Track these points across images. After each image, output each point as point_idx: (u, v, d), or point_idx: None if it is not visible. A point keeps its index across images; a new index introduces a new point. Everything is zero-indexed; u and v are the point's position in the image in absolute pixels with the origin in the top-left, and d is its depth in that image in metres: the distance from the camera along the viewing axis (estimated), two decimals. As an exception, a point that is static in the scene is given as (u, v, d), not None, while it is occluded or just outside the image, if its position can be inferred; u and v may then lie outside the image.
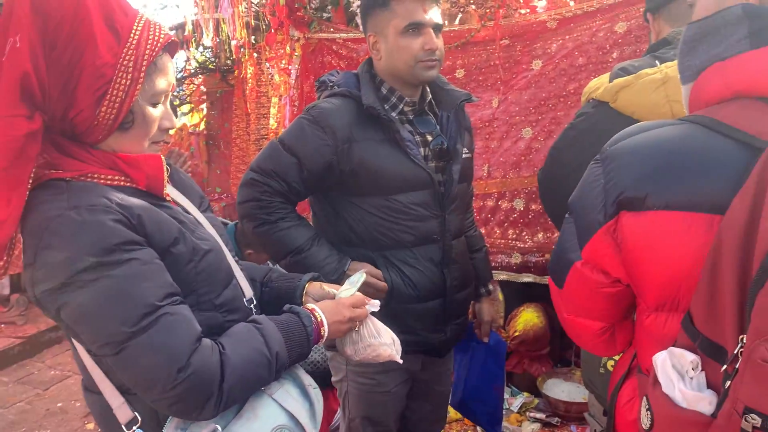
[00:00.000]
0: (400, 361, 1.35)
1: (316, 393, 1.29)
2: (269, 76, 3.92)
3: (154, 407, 1.07)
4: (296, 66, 3.59)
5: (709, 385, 0.81)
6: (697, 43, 0.94)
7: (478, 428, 2.77)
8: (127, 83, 1.06)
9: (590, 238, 0.99)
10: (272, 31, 3.54)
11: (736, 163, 0.83)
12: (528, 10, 2.98)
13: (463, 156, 1.84)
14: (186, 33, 3.86)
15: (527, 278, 2.93)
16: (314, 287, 1.40)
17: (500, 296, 3.10)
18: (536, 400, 2.98)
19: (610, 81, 1.59)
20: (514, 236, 2.97)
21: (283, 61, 3.70)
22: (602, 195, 0.95)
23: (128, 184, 1.11)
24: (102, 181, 1.08)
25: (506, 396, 2.99)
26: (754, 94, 0.86)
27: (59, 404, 3.73)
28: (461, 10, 3.14)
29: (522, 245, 2.96)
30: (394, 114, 1.75)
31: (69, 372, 4.14)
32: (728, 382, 0.75)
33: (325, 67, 3.48)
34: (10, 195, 1.00)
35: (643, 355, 1.02)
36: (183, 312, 1.05)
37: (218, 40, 3.83)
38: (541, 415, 2.83)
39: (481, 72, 3.03)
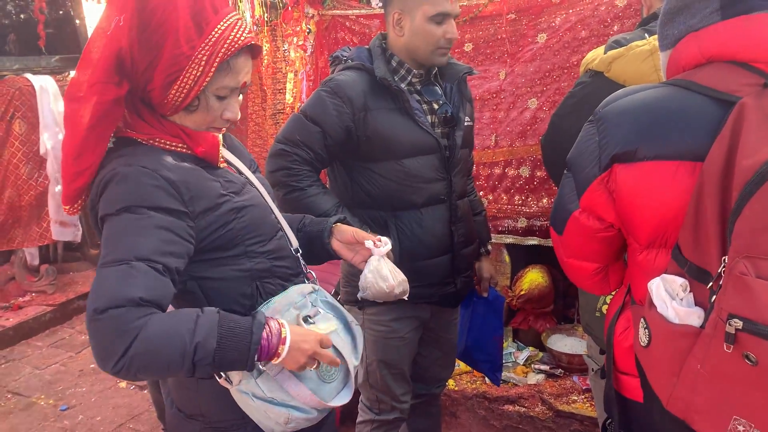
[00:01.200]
0: (405, 298, 1.47)
1: (357, 329, 1.43)
2: (284, 53, 4.05)
3: None
4: (311, 42, 3.73)
5: (697, 304, 0.94)
6: (675, 15, 1.08)
7: (486, 379, 2.97)
8: (197, 74, 1.20)
9: (587, 188, 1.13)
10: (288, 8, 3.68)
11: (713, 117, 0.96)
12: (533, -14, 3.10)
13: (465, 124, 2.02)
14: (205, 11, 3.99)
15: (532, 241, 3.09)
16: (341, 229, 1.52)
17: (507, 258, 3.29)
18: (541, 354, 3.17)
19: (605, 53, 1.74)
20: (520, 202, 3.14)
21: (298, 38, 3.84)
22: (597, 151, 1.09)
23: (187, 152, 1.28)
24: (166, 147, 1.26)
25: (512, 350, 3.18)
26: (725, 59, 1.00)
27: (92, 365, 3.95)
28: (469, -14, 3.27)
29: (528, 210, 3.13)
30: (403, 85, 1.91)
31: (99, 337, 4.38)
32: (714, 297, 0.88)
33: (339, 42, 3.63)
34: (95, 147, 1.21)
35: (637, 288, 1.17)
36: (143, 275, 1.11)
37: (235, 18, 3.96)
38: (545, 367, 3.02)
39: (489, 45, 3.17)
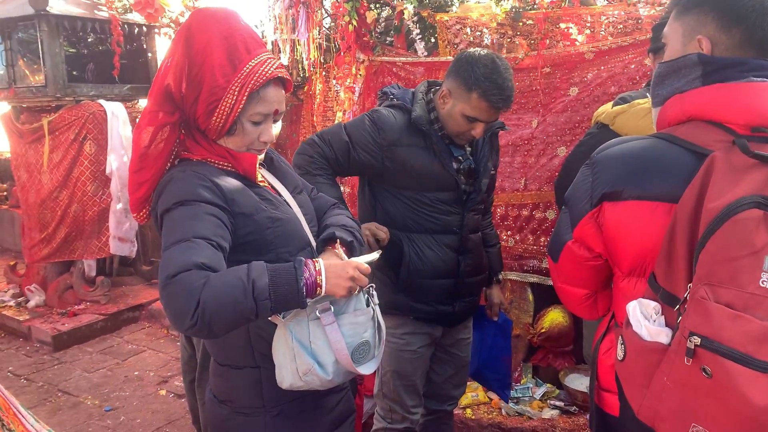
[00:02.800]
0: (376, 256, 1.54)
1: (382, 324, 1.54)
2: (335, 93, 4.33)
3: None
4: (360, 84, 4.01)
5: (667, 325, 1.08)
6: (665, 78, 1.23)
7: (503, 411, 3.08)
8: (232, 103, 1.43)
9: (579, 221, 1.29)
10: (341, 53, 3.97)
11: (688, 166, 1.11)
12: (569, 43, 3.31)
13: (491, 173, 2.26)
14: (265, 52, 4.33)
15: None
16: (327, 253, 1.56)
17: (530, 297, 3.42)
18: (557, 391, 3.27)
19: (612, 108, 1.93)
20: (545, 243, 3.30)
21: (349, 80, 4.12)
22: (590, 190, 1.26)
23: (232, 169, 1.52)
24: (215, 165, 1.51)
25: (530, 385, 3.29)
26: (702, 118, 1.15)
27: (136, 372, 4.22)
28: (509, 40, 3.50)
29: (553, 252, 3.28)
30: (439, 134, 2.14)
31: (144, 347, 4.65)
32: (679, 319, 1.02)
33: (384, 86, 3.89)
34: (153, 164, 1.48)
35: (619, 311, 1.30)
36: (202, 248, 1.30)
37: (293, 59, 4.28)
38: (560, 404, 3.13)
39: (524, 96, 3.38)
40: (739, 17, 1.15)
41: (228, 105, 1.43)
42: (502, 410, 3.10)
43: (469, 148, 2.23)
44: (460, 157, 2.19)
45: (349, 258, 1.51)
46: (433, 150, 2.11)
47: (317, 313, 1.40)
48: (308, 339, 1.41)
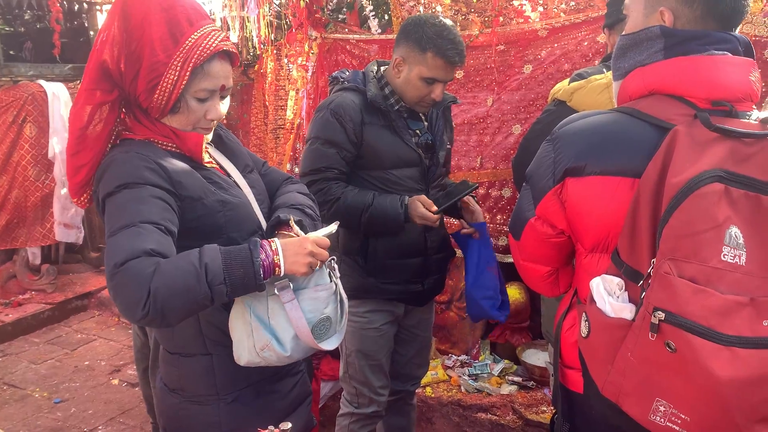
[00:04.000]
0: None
1: (344, 297, 1.50)
2: (287, 71, 4.24)
3: None
4: (313, 63, 3.93)
5: (630, 301, 1.08)
6: (627, 51, 1.21)
7: (462, 388, 3.11)
8: (174, 79, 1.35)
9: (542, 198, 1.27)
10: (292, 30, 3.88)
11: (651, 140, 1.10)
12: (522, 20, 3.30)
13: (447, 146, 2.26)
14: (214, 29, 4.20)
15: (511, 259, 3.25)
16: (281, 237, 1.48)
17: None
18: (515, 367, 3.31)
19: (569, 84, 1.93)
20: (502, 221, 3.32)
21: (301, 58, 4.04)
22: (552, 165, 1.23)
23: (177, 150, 1.44)
24: (160, 146, 1.43)
25: (489, 361, 3.32)
26: (664, 92, 1.14)
27: (86, 362, 4.10)
28: (463, 17, 3.47)
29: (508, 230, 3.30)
30: (393, 109, 2.13)
31: (94, 336, 4.51)
32: (643, 294, 1.02)
33: (339, 64, 3.83)
34: (92, 146, 1.40)
35: (582, 288, 1.30)
36: (150, 232, 1.25)
37: (242, 37, 4.16)
38: (518, 379, 3.16)
39: (479, 74, 3.37)
40: None
41: (170, 81, 1.35)
42: (462, 387, 3.12)
43: (425, 123, 2.22)
44: (418, 131, 2.19)
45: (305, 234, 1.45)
46: (393, 127, 2.11)
47: (276, 290, 1.36)
48: (266, 315, 1.38)
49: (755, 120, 1.08)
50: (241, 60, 4.65)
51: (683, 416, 1.00)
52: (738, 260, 0.97)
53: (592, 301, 1.13)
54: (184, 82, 1.36)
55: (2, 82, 4.70)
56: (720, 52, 1.12)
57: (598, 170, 1.16)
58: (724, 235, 0.97)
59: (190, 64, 1.35)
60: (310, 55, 3.94)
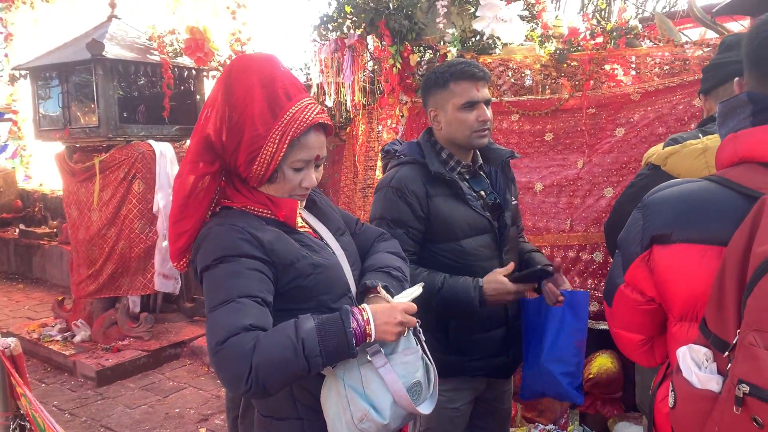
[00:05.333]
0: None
1: (431, 365, 1.51)
2: (377, 134, 4.39)
3: None
4: (402, 125, 4.05)
5: (719, 372, 1.05)
6: (724, 118, 1.23)
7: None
8: (273, 151, 1.43)
9: (630, 265, 1.28)
10: (384, 94, 4.03)
11: (739, 209, 1.09)
12: (614, 84, 3.29)
13: (512, 204, 2.20)
14: (311, 94, 4.43)
15: (604, 326, 3.14)
16: (371, 299, 1.52)
17: (577, 341, 3.33)
18: (607, 440, 3.16)
19: (663, 149, 1.91)
20: (593, 286, 3.23)
21: (390, 120, 4.18)
22: (641, 233, 1.25)
23: (272, 217, 1.51)
24: (255, 213, 1.51)
25: (578, 432, 3.19)
26: (754, 160, 1.14)
27: (176, 410, 4.23)
28: (554, 80, 3.50)
29: (600, 295, 3.21)
30: (454, 174, 2.12)
31: (185, 384, 4.66)
32: (729, 366, 1.00)
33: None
34: (193, 214, 1.48)
35: (673, 357, 1.25)
36: (249, 307, 1.31)
37: (337, 101, 4.36)
38: (609, 453, 3.02)
39: (569, 136, 3.37)
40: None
41: (269, 153, 1.43)
42: (548, 458, 3.00)
43: (488, 181, 2.19)
44: (483, 192, 2.15)
45: (392, 297, 1.48)
46: (459, 195, 2.08)
47: (368, 356, 1.39)
48: (361, 384, 1.39)
49: None
50: (335, 122, 4.86)
51: None
52: None
53: (679, 370, 1.11)
54: (282, 154, 1.43)
55: (117, 141, 5.09)
56: None
57: (684, 238, 1.16)
58: None
59: (288, 137, 1.42)
60: (400, 117, 4.07)
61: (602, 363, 3.18)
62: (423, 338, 1.50)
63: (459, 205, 2.07)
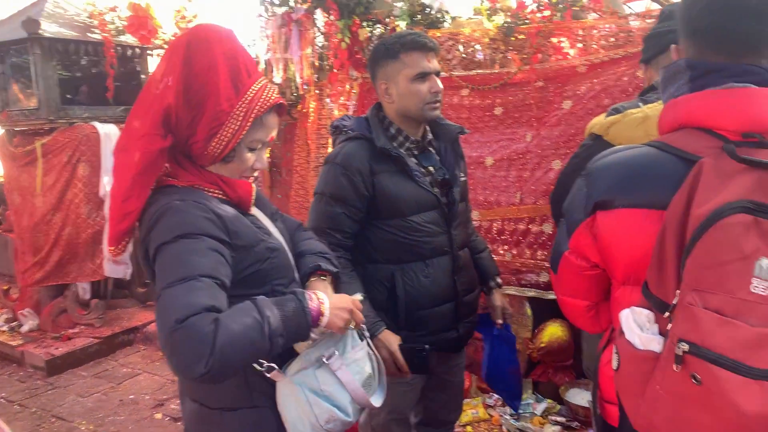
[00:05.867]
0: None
1: (377, 358, 1.54)
2: (329, 111, 4.34)
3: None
4: (353, 102, 4.02)
5: (661, 333, 1.07)
6: (665, 84, 1.24)
7: (504, 428, 3.05)
8: (235, 129, 1.37)
9: (574, 231, 1.30)
10: (334, 71, 3.99)
11: (678, 173, 1.10)
12: (561, 57, 3.32)
13: (461, 179, 2.19)
14: (260, 71, 4.35)
15: (553, 295, 3.20)
16: (317, 283, 1.54)
17: (528, 311, 3.40)
18: (558, 407, 3.23)
19: (606, 118, 1.93)
20: (543, 257, 3.28)
21: (342, 98, 4.14)
22: (584, 199, 1.26)
23: (223, 197, 1.44)
24: (207, 193, 1.42)
25: (531, 401, 3.26)
26: (693, 125, 1.15)
27: (131, 396, 4.16)
28: (502, 55, 3.51)
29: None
30: (402, 150, 2.10)
31: (139, 370, 4.58)
32: (669, 326, 1.02)
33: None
34: (140, 193, 1.36)
35: (617, 321, 1.26)
36: (209, 287, 1.23)
37: (286, 78, 4.29)
38: (561, 419, 3.09)
39: (517, 110, 3.39)
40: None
41: (231, 131, 1.37)
42: (503, 427, 3.06)
43: (437, 157, 2.19)
44: (432, 168, 2.14)
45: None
46: (406, 171, 2.05)
47: (325, 360, 1.40)
48: (319, 387, 1.39)
49: None
50: (285, 100, 4.78)
51: None
52: None
53: (622, 333, 1.12)
54: (244, 133, 1.38)
55: (59, 124, 4.91)
56: (741, 84, 1.11)
57: (626, 203, 1.18)
58: (754, 267, 0.96)
59: (252, 116, 1.38)
60: (351, 94, 4.04)
61: (553, 332, 3.24)
62: (368, 334, 1.52)
63: (405, 181, 2.05)
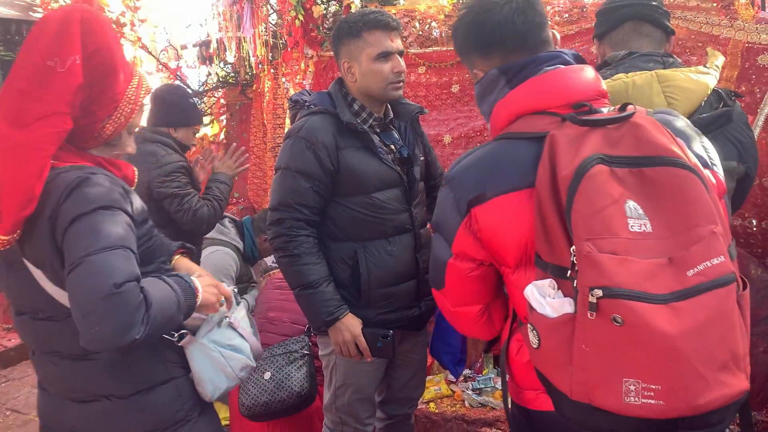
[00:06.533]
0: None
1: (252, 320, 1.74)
2: (285, 90, 4.27)
3: (84, 331, 1.21)
4: (309, 81, 3.96)
5: (566, 296, 1.10)
6: (482, 97, 1.37)
7: (466, 402, 3.09)
8: (128, 111, 1.41)
9: (455, 236, 1.31)
10: (288, 49, 3.91)
11: (532, 152, 1.19)
12: (516, 33, 3.31)
13: (420, 159, 2.19)
14: (210, 50, 4.25)
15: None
16: (181, 262, 1.64)
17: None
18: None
19: None
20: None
21: (298, 77, 4.07)
22: (455, 204, 1.29)
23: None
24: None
25: (492, 375, 3.30)
26: (528, 112, 1.26)
27: None
28: (458, 32, 3.49)
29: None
30: (365, 126, 2.07)
31: (97, 359, 4.50)
32: (575, 282, 1.05)
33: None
34: (42, 174, 1.29)
35: (519, 308, 1.30)
36: (134, 259, 1.28)
37: (239, 57, 4.19)
38: (522, 392, 3.14)
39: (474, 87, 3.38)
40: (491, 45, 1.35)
41: (125, 112, 1.41)
42: (465, 402, 3.09)
43: (398, 136, 2.17)
44: (393, 146, 2.13)
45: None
46: (370, 148, 2.04)
47: (228, 320, 1.59)
48: (228, 342, 1.57)
49: (613, 109, 1.20)
50: (239, 80, 4.68)
51: (654, 386, 1.00)
52: (645, 228, 1.04)
53: (532, 309, 1.14)
54: (134, 115, 1.43)
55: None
56: (552, 67, 1.26)
57: (497, 192, 1.23)
58: (625, 209, 1.05)
59: (141, 99, 1.43)
60: (307, 73, 3.98)
61: (513, 307, 3.28)
62: (239, 298, 1.71)
63: (370, 158, 2.04)
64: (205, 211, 2.88)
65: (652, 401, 1.00)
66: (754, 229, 2.94)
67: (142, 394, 1.42)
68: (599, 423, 1.08)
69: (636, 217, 1.05)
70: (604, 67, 1.86)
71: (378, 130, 2.12)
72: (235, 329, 1.60)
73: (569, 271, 1.07)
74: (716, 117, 1.66)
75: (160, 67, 4.70)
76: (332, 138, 2.00)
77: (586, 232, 1.04)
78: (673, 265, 1.02)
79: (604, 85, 1.30)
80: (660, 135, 1.11)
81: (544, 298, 1.12)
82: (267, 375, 2.51)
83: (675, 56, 1.81)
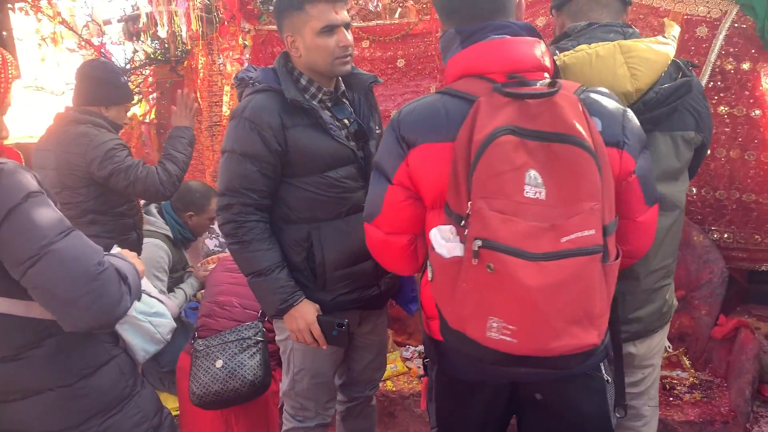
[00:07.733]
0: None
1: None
2: (220, 66, 4.10)
3: (76, 316, 1.26)
4: (247, 56, 3.82)
5: (461, 242, 1.27)
6: (445, 50, 1.49)
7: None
8: (3, 93, 1.39)
9: (398, 168, 1.44)
10: (224, 23, 3.75)
11: (463, 112, 1.33)
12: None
13: (376, 132, 2.12)
14: (140, 25, 4.01)
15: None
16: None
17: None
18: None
19: None
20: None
21: (233, 52, 3.91)
22: (397, 142, 1.44)
23: None
24: None
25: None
26: (470, 74, 1.41)
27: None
28: (400, 5, 3.44)
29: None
30: (315, 102, 1.98)
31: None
32: (466, 231, 1.23)
33: (275, 56, 3.68)
34: None
35: (429, 243, 1.42)
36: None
37: (171, 32, 3.98)
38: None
39: (420, 61, 3.35)
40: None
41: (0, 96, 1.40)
42: (422, 378, 3.10)
43: (350, 109, 2.10)
44: (346, 120, 2.05)
45: None
46: (320, 124, 1.95)
47: (146, 293, 1.67)
48: (152, 311, 1.67)
49: (543, 85, 1.32)
50: (170, 56, 4.46)
51: (511, 327, 1.20)
52: (539, 196, 1.21)
53: (432, 248, 1.31)
54: (8, 97, 1.42)
55: None
56: (499, 36, 1.38)
57: (427, 140, 1.40)
58: (525, 177, 1.21)
59: (10, 79, 1.42)
60: (244, 48, 3.83)
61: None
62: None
63: (320, 135, 1.95)
64: (156, 176, 2.74)
65: (509, 339, 1.21)
66: (694, 196, 3.05)
67: (86, 378, 1.44)
68: (470, 350, 1.28)
69: (534, 185, 1.21)
70: (564, 38, 1.85)
71: (329, 105, 2.04)
72: (150, 295, 1.69)
73: (463, 221, 1.25)
74: (677, 87, 1.69)
75: (83, 43, 4.42)
76: (278, 117, 1.90)
77: (482, 191, 1.21)
78: (553, 230, 1.19)
79: (547, 58, 1.40)
80: (573, 115, 1.24)
81: (444, 240, 1.29)
82: (219, 363, 2.43)
83: (633, 26, 1.82)
